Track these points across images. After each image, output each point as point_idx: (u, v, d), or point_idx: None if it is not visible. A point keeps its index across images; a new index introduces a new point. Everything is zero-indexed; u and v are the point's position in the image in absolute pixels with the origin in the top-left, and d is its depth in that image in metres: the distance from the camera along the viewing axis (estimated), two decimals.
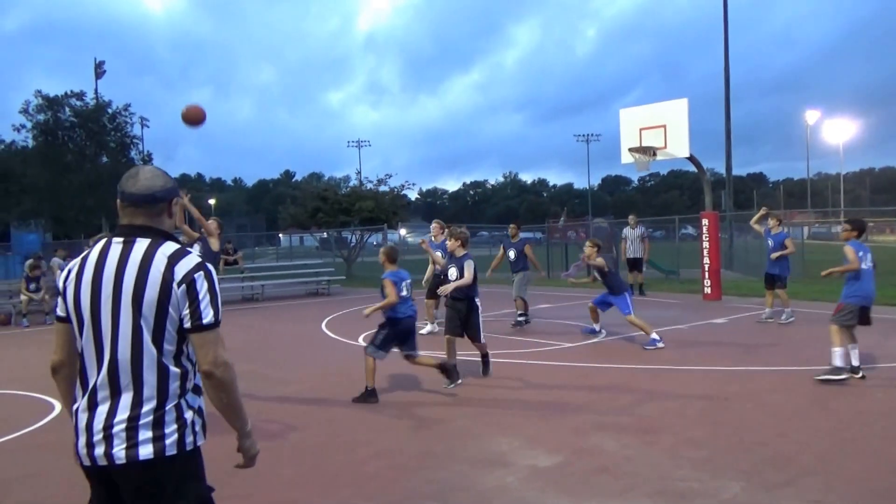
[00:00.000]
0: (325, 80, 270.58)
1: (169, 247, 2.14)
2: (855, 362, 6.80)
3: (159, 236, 2.17)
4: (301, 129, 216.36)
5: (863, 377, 6.74)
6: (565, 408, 6.17)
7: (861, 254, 6.86)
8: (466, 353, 7.66)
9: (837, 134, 61.54)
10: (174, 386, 2.11)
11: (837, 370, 6.70)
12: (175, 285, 2.08)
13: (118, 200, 2.20)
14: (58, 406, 6.51)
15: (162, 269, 2.09)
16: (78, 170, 29.43)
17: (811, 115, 60.49)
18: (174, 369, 2.11)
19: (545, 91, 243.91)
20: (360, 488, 4.37)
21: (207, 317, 2.11)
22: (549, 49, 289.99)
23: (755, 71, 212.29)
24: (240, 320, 13.99)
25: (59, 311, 2.22)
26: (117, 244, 2.15)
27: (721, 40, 26.89)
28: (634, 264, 16.01)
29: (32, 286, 14.53)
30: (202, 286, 2.12)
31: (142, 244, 2.13)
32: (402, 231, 31.61)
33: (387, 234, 27.12)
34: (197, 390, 2.20)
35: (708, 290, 14.72)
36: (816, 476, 4.30)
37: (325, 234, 29.96)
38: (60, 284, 2.21)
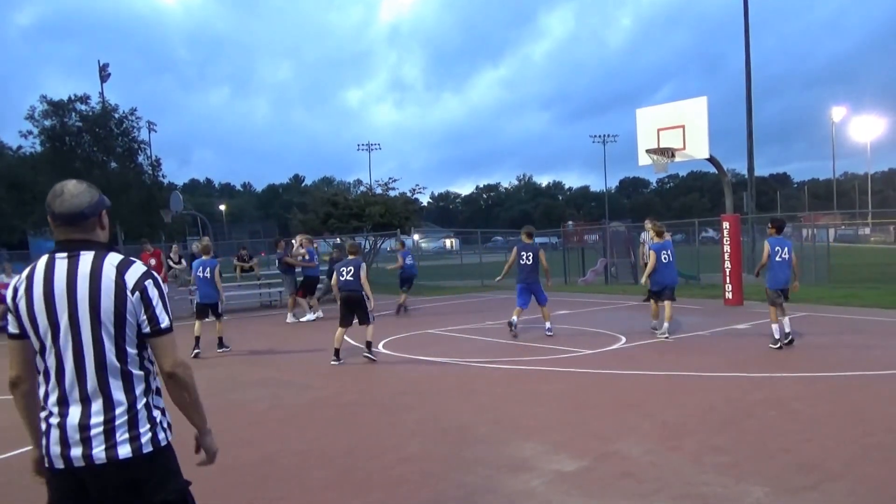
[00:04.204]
0: (343, 77, 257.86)
1: (114, 257, 2.22)
2: (787, 329, 8.95)
3: (102, 248, 2.24)
4: (315, 132, 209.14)
5: (791, 342, 8.93)
6: (588, 414, 6.24)
7: (777, 248, 8.91)
8: (485, 361, 7.66)
9: (865, 132, 59.64)
10: (140, 387, 2.22)
11: (776, 340, 8.94)
12: (129, 292, 2.18)
13: (49, 218, 2.24)
14: None
15: (113, 277, 2.17)
16: (87, 176, 29.28)
17: (837, 112, 59.10)
18: (138, 372, 2.22)
19: (575, 87, 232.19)
20: (389, 492, 4.47)
21: (164, 321, 2.23)
22: (583, 40, 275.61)
23: (801, 61, 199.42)
24: (260, 327, 14.15)
25: (12, 329, 2.24)
26: (62, 259, 2.19)
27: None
28: None
29: None
30: (154, 293, 2.22)
31: (87, 257, 2.19)
32: (416, 236, 31.57)
33: (400, 240, 27.09)
34: (158, 391, 2.30)
35: (729, 296, 14.51)
36: (842, 482, 4.33)
37: (338, 240, 30.01)
38: (10, 302, 2.23)
